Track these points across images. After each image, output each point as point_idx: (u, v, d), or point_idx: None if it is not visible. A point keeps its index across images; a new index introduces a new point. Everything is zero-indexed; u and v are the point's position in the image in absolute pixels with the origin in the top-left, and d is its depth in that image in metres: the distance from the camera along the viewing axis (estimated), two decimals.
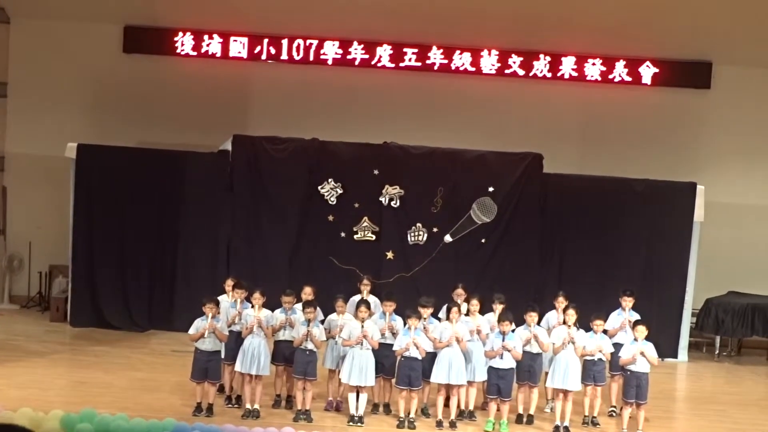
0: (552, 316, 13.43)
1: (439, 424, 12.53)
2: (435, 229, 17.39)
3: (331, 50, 19.03)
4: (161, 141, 18.31)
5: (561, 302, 13.28)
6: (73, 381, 14.05)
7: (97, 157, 17.32)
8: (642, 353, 12.41)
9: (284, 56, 19.02)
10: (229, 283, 13.35)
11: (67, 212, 17.47)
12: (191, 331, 12.49)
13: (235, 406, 12.88)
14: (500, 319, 12.53)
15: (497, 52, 18.98)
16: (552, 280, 17.07)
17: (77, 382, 13.91)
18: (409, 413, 12.51)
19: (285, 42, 18.97)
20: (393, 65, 19.06)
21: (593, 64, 19.01)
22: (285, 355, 12.74)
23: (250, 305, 12.74)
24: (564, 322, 12.71)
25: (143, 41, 19.09)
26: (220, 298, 13.02)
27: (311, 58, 19.02)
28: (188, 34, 19.01)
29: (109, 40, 19.10)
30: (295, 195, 17.39)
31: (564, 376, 12.51)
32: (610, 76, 19.05)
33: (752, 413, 14.36)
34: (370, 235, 17.44)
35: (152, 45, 19.08)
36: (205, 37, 19.02)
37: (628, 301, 13.54)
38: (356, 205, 17.39)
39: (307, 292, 12.97)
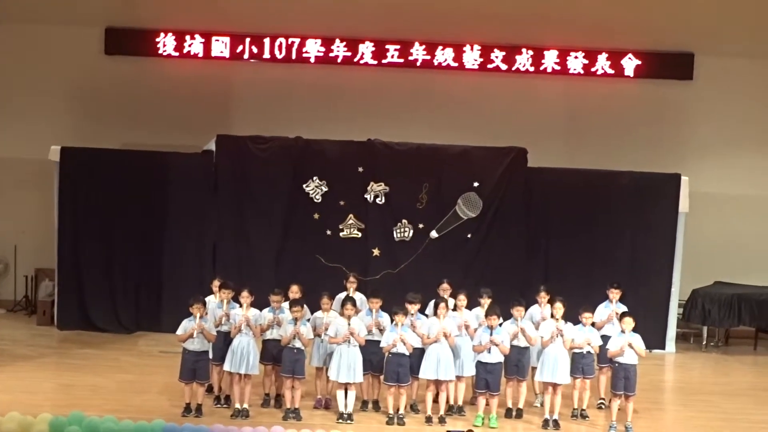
0: (535, 311, 13.42)
1: (429, 419, 12.53)
2: (421, 226, 17.40)
3: (313, 48, 19.02)
4: (145, 142, 18.25)
5: (543, 297, 13.33)
6: (61, 384, 14.00)
7: (81, 160, 17.26)
8: (630, 345, 12.41)
9: (266, 55, 19.00)
10: (215, 284, 13.33)
11: (52, 215, 17.39)
12: (179, 331, 12.46)
13: (224, 406, 12.86)
14: (488, 314, 12.53)
15: (479, 47, 19.00)
16: (539, 273, 17.08)
17: (65, 385, 13.87)
18: (398, 409, 12.51)
19: (267, 41, 18.95)
20: (376, 62, 19.06)
21: (576, 57, 19.06)
22: (273, 354, 12.73)
23: (238, 305, 12.73)
24: (552, 316, 12.73)
25: (125, 43, 19.03)
26: (207, 298, 13.01)
27: (294, 56, 19.01)
28: (170, 34, 18.98)
29: (90, 42, 19.03)
30: (280, 194, 17.36)
31: (553, 369, 12.52)
32: (593, 69, 19.11)
33: (740, 403, 14.42)
34: (355, 232, 17.43)
35: (134, 46, 19.02)
36: (187, 37, 18.98)
37: (615, 294, 13.55)
38: (341, 202, 17.38)
39: (294, 291, 12.97)
